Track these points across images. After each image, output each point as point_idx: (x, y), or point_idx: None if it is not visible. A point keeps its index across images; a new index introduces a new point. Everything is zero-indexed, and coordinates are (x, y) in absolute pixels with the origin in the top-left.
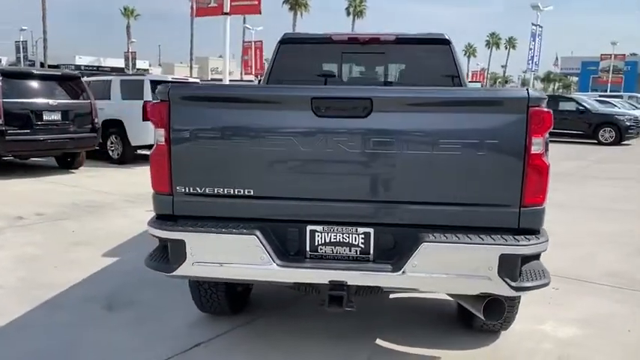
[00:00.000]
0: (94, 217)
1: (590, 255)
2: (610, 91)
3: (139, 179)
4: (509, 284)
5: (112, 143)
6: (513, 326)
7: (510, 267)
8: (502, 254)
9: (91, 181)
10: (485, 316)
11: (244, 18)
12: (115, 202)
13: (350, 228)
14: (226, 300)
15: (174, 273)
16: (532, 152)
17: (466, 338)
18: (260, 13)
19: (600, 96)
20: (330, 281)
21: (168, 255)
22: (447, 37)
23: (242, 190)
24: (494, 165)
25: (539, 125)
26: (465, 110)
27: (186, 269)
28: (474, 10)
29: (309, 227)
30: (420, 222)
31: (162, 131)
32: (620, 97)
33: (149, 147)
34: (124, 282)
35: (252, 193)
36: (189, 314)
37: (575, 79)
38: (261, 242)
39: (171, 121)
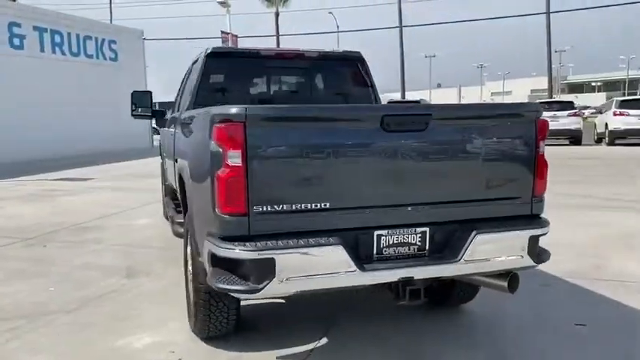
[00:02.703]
0: None
1: None
2: None
3: None
4: (533, 259)
5: None
6: None
7: (534, 245)
8: (531, 236)
9: None
10: (509, 288)
11: None
12: None
13: (410, 229)
14: (237, 316)
15: (260, 293)
16: (539, 153)
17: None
18: None
19: None
20: (400, 278)
21: (248, 276)
22: (361, 56)
23: (318, 204)
24: (516, 164)
25: (542, 131)
26: (495, 121)
27: (274, 287)
28: None
29: (376, 232)
30: (463, 217)
31: (237, 152)
32: None
33: None
34: None
35: (327, 206)
36: None
37: None
38: (346, 251)
39: (247, 142)
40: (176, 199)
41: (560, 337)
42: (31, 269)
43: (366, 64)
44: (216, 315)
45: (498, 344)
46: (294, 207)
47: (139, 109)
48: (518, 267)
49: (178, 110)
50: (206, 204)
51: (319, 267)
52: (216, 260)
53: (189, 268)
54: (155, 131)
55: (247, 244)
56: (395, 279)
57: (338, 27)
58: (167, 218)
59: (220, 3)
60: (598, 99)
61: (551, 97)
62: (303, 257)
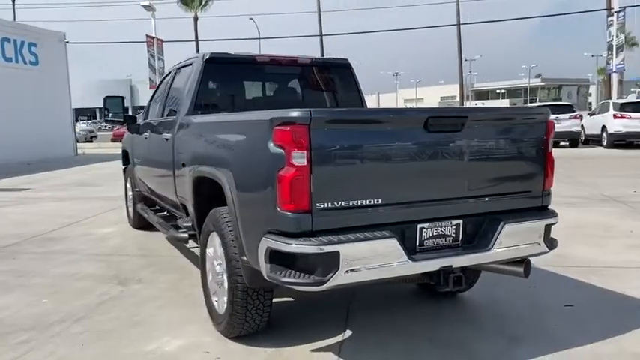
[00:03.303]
0: None
1: None
2: None
3: None
4: (547, 245)
5: None
6: None
7: (548, 233)
8: (546, 224)
9: None
10: (524, 273)
11: None
12: None
13: (446, 222)
14: (269, 313)
15: (326, 285)
16: (548, 151)
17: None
18: None
19: None
20: (441, 267)
21: (314, 269)
22: (349, 62)
23: (371, 201)
24: (531, 161)
25: (551, 131)
26: (515, 122)
27: (338, 279)
28: None
29: (419, 225)
30: (490, 210)
31: (302, 153)
32: None
33: None
34: None
35: (379, 202)
36: None
37: None
38: (399, 243)
39: (311, 143)
40: (154, 207)
41: (556, 316)
42: (13, 281)
43: (354, 70)
44: (252, 313)
45: (507, 326)
46: (350, 203)
47: (111, 115)
48: (535, 253)
49: (162, 116)
50: (264, 204)
51: (377, 258)
52: (277, 256)
53: (217, 268)
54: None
55: (314, 239)
56: (437, 268)
57: (259, 33)
58: (136, 226)
59: (145, 7)
60: (503, 105)
61: (462, 104)
62: (363, 250)
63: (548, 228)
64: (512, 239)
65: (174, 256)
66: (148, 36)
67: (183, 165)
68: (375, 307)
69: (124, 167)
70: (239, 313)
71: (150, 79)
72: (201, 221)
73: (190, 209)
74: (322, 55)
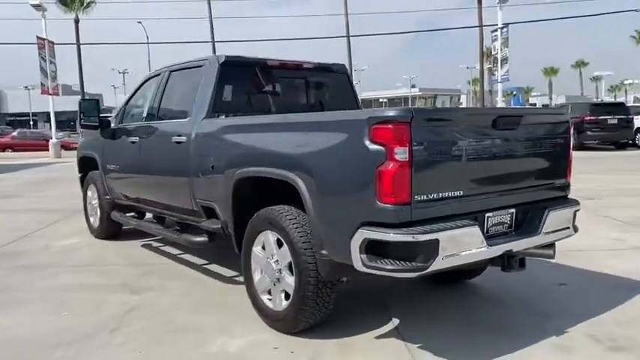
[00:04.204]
0: None
1: None
2: None
3: None
4: (574, 229)
5: None
6: None
7: (575, 219)
8: (574, 210)
9: None
10: (553, 255)
11: None
12: None
13: (504, 210)
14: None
15: (428, 270)
16: (570, 145)
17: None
18: None
19: None
20: (505, 251)
21: (415, 256)
22: (346, 67)
23: (456, 192)
24: (561, 155)
25: (570, 128)
26: (551, 121)
27: (437, 264)
28: None
29: (486, 214)
30: (533, 199)
31: (404, 149)
32: None
33: None
34: None
35: (461, 193)
36: None
37: None
38: (480, 230)
39: (412, 139)
40: (132, 211)
41: (562, 294)
42: (4, 298)
43: (350, 75)
44: (320, 305)
45: (532, 305)
46: (440, 195)
47: (86, 119)
48: (566, 236)
49: (155, 120)
50: (358, 198)
51: (465, 244)
52: (374, 246)
53: (273, 265)
54: None
55: (416, 228)
56: (501, 252)
57: (148, 38)
58: (103, 236)
59: (34, 6)
60: None
61: None
62: (456, 237)
63: (575, 214)
64: (553, 224)
65: (165, 264)
66: (39, 37)
67: (212, 168)
68: (408, 299)
69: (80, 175)
70: (309, 307)
71: (42, 84)
72: (240, 222)
73: (223, 211)
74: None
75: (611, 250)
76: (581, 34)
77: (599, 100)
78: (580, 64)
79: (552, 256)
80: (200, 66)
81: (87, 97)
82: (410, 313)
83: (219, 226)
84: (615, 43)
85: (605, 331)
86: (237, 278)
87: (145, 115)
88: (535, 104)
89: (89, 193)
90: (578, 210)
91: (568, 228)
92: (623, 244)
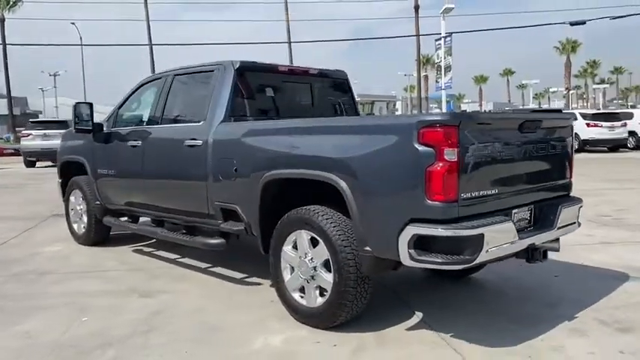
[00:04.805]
0: None
1: None
2: None
3: None
4: (578, 224)
5: None
6: None
7: (579, 214)
8: (579, 207)
9: None
10: (558, 248)
11: None
12: None
13: (525, 207)
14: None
15: (474, 262)
16: (572, 146)
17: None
18: None
19: None
20: (529, 244)
21: (463, 250)
22: (346, 73)
23: (492, 191)
24: (566, 155)
25: (572, 131)
26: (560, 124)
27: (482, 256)
28: None
29: (513, 211)
30: (545, 197)
31: (454, 150)
32: None
33: None
34: None
35: (496, 192)
36: None
37: None
38: (514, 225)
39: (460, 141)
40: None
41: (560, 284)
42: (19, 305)
43: (350, 80)
44: (357, 300)
45: (540, 296)
46: (480, 193)
47: (81, 123)
48: (573, 230)
49: (158, 124)
50: (406, 196)
51: (503, 238)
52: (421, 242)
53: (308, 263)
54: None
55: (465, 223)
56: (526, 245)
57: (81, 39)
58: (90, 242)
59: None
60: None
61: None
62: (498, 231)
63: (579, 210)
64: (564, 219)
65: (165, 268)
66: None
67: (236, 170)
68: (424, 294)
69: (60, 180)
70: (349, 302)
71: None
72: (267, 224)
73: (247, 213)
74: (152, 62)
75: (585, 245)
76: (510, 44)
77: (533, 106)
78: (507, 73)
79: (558, 249)
80: (212, 70)
81: (81, 101)
82: (430, 307)
83: (242, 227)
84: (541, 53)
85: (608, 315)
86: (248, 279)
87: (145, 119)
88: (465, 111)
89: (72, 199)
90: (581, 206)
91: (574, 223)
92: (593, 239)
